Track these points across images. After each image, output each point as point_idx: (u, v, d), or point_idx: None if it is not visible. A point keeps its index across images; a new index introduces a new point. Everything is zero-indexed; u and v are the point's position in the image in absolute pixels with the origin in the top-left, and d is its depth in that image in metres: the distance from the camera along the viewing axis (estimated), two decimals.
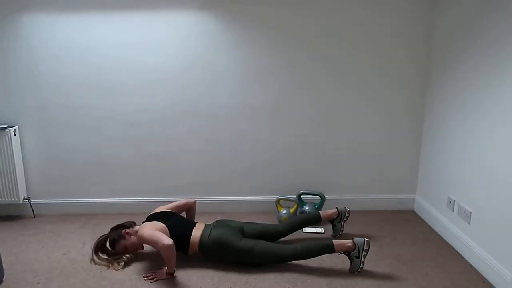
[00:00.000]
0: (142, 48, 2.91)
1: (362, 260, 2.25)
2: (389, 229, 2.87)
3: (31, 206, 3.13)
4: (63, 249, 2.61)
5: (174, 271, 2.29)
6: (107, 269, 2.37)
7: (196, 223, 2.54)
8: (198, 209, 3.20)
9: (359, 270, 2.26)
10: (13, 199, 3.01)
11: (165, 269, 2.28)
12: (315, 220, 2.68)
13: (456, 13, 2.57)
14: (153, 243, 2.26)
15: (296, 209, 2.98)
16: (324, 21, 2.87)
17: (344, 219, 2.68)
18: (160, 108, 3.02)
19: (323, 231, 2.82)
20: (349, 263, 2.31)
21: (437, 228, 2.83)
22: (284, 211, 2.94)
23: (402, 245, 2.63)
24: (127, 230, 2.48)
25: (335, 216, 2.69)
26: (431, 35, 2.90)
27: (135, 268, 2.37)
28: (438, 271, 2.32)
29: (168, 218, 2.48)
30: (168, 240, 2.20)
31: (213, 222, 2.55)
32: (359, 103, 3.03)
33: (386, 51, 2.93)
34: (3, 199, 3.01)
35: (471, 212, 2.42)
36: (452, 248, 2.59)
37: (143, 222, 2.50)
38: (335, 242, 2.30)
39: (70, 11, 2.83)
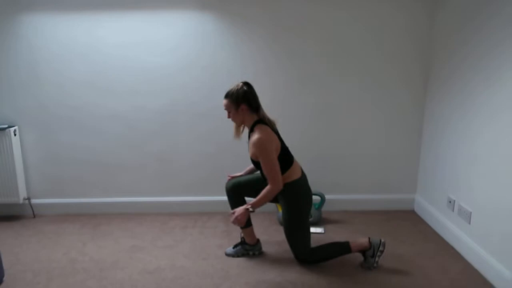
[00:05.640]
0: (142, 48, 2.91)
1: (376, 260, 2.30)
2: (389, 229, 2.87)
3: (31, 206, 3.13)
4: (63, 249, 2.61)
5: (255, 210, 2.20)
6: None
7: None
8: (197, 209, 3.20)
9: (375, 266, 2.32)
10: (13, 199, 3.01)
11: (245, 206, 2.19)
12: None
13: (457, 11, 2.58)
14: (269, 169, 2.14)
15: None
16: (325, 20, 2.87)
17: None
18: (160, 108, 3.02)
19: (323, 231, 2.82)
20: (363, 259, 2.37)
21: (437, 228, 2.83)
22: None
23: (402, 245, 2.63)
24: (246, 107, 2.21)
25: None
26: (432, 35, 2.90)
27: (135, 268, 2.37)
28: (438, 271, 2.32)
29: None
30: (281, 184, 2.17)
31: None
32: (359, 103, 3.03)
33: (386, 51, 2.93)
34: (3, 199, 3.01)
35: (471, 212, 2.42)
36: (452, 248, 2.59)
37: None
38: (351, 243, 2.32)
39: (71, 11, 2.83)
